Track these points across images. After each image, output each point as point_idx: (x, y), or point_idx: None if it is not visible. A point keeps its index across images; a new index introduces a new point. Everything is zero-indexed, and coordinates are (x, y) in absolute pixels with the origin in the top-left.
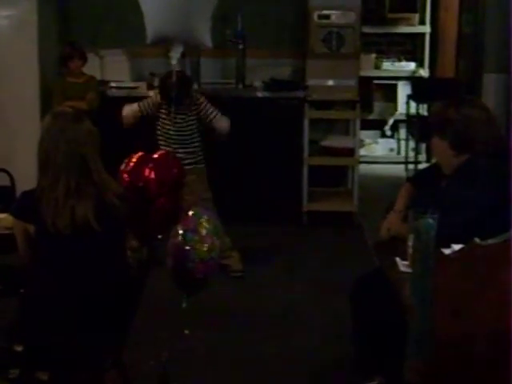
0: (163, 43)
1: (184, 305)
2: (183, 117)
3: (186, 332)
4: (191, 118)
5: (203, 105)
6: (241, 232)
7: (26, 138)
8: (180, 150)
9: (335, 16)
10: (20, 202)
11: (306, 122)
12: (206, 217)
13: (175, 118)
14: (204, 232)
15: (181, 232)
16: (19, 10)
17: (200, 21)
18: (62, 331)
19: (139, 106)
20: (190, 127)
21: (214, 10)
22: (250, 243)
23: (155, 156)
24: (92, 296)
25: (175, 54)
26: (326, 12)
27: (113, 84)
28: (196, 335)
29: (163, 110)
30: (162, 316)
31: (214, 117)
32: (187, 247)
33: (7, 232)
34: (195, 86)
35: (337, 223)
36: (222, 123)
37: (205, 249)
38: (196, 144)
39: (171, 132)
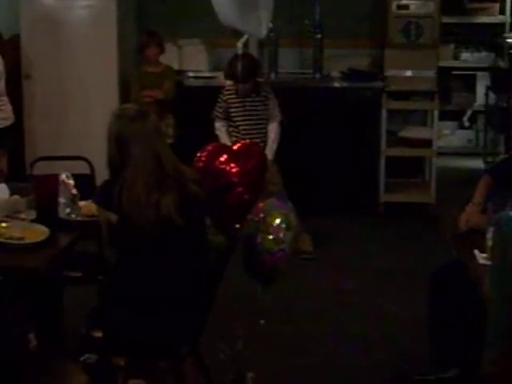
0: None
1: (259, 295)
2: (251, 100)
3: (262, 322)
4: (259, 105)
5: (272, 102)
6: (317, 222)
7: (105, 126)
8: (250, 137)
9: (414, 6)
10: (103, 191)
11: (384, 113)
12: (278, 208)
13: (244, 102)
14: (274, 223)
15: (250, 222)
16: (99, 0)
17: (254, 11)
18: (141, 319)
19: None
20: (257, 112)
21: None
22: (326, 233)
23: (233, 146)
24: (170, 284)
25: (240, 44)
26: (404, 2)
27: (190, 74)
28: (271, 325)
29: (232, 99)
30: (238, 305)
31: (273, 121)
32: (255, 237)
33: (87, 219)
34: (272, 75)
35: (413, 214)
36: (274, 131)
37: (272, 240)
38: (264, 131)
39: (240, 118)
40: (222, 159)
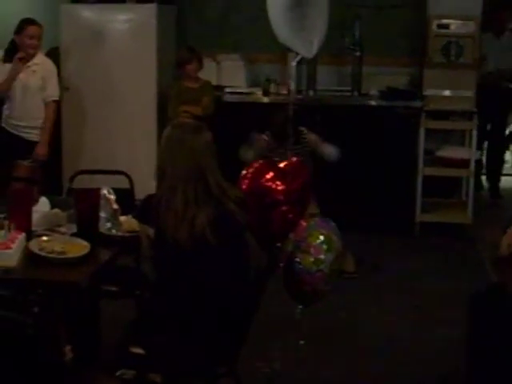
0: None
1: (298, 316)
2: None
3: (301, 343)
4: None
5: (310, 141)
6: (354, 241)
7: (144, 141)
8: None
9: (455, 25)
10: (143, 206)
11: (422, 132)
12: (320, 228)
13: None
14: (314, 244)
15: (291, 241)
16: (139, 14)
17: (305, 31)
18: (179, 336)
19: None
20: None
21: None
22: (363, 252)
23: (280, 164)
24: (209, 303)
25: (293, 62)
26: (445, 21)
27: (228, 89)
28: (310, 346)
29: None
30: (278, 325)
31: (320, 145)
32: (294, 257)
33: (127, 235)
34: (311, 93)
35: (450, 235)
36: (329, 149)
37: (312, 260)
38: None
39: None
40: (268, 177)
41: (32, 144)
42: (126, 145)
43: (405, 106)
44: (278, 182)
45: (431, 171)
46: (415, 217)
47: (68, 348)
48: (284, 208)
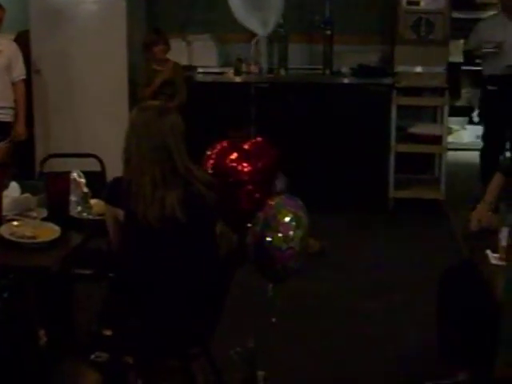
0: None
1: (270, 293)
2: None
3: (273, 320)
4: None
5: None
6: (326, 218)
7: (115, 123)
8: None
9: (425, 1)
10: (111, 188)
11: (394, 109)
12: (288, 206)
13: None
14: (283, 221)
15: (259, 220)
16: None
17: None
18: (151, 317)
19: None
20: None
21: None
22: (335, 229)
23: (245, 144)
24: (181, 284)
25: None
26: None
27: (200, 69)
28: (283, 324)
29: None
30: (250, 304)
31: None
32: (264, 235)
33: (98, 218)
34: (282, 71)
35: (423, 211)
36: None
37: (282, 238)
38: None
39: None
40: (233, 157)
41: (4, 124)
42: (98, 128)
43: (376, 83)
44: (243, 163)
45: (404, 148)
46: (389, 193)
47: (42, 332)
48: (250, 187)
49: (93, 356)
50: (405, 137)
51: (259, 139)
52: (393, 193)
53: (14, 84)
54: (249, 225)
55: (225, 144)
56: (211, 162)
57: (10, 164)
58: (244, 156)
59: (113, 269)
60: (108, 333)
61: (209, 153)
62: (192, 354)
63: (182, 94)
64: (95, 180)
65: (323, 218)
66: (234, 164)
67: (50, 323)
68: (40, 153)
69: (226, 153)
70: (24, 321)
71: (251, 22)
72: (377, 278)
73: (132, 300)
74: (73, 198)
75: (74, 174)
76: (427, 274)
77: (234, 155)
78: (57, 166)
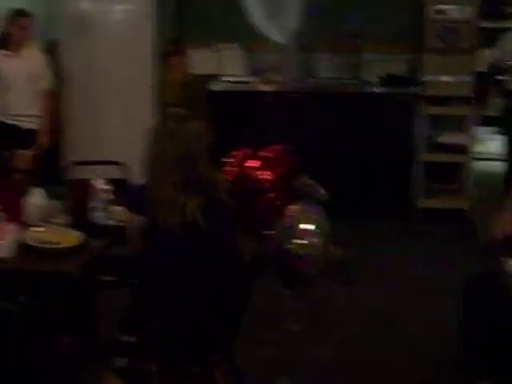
0: None
1: (290, 300)
2: None
3: (294, 327)
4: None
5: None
6: (354, 227)
7: (140, 132)
8: None
9: (451, 11)
10: (133, 195)
11: (422, 118)
12: (308, 213)
13: None
14: (303, 228)
15: (280, 226)
16: (136, 4)
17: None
18: (172, 323)
19: None
20: None
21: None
22: (361, 238)
23: (265, 152)
24: (203, 291)
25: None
26: (442, 6)
27: (227, 78)
28: (302, 333)
29: None
30: (270, 313)
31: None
32: (284, 242)
33: (121, 224)
34: (310, 80)
35: (449, 220)
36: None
37: (301, 244)
38: None
39: None
40: (253, 165)
41: (29, 132)
42: (123, 135)
43: (404, 92)
44: (262, 171)
45: (431, 157)
46: (416, 203)
47: (65, 338)
48: (270, 195)
49: (115, 362)
50: (433, 146)
51: (278, 147)
52: (419, 202)
53: (40, 93)
54: (269, 232)
55: (245, 151)
56: (232, 169)
57: (35, 171)
58: (264, 164)
59: (135, 275)
60: (130, 339)
61: (229, 160)
62: (213, 361)
63: (203, 108)
64: (119, 187)
65: (350, 227)
66: (255, 172)
67: (73, 329)
68: (67, 160)
69: (246, 160)
70: (48, 326)
71: (271, 30)
72: (402, 286)
73: (154, 306)
74: (96, 205)
75: (97, 181)
76: (453, 283)
77: (254, 163)
78: (83, 173)
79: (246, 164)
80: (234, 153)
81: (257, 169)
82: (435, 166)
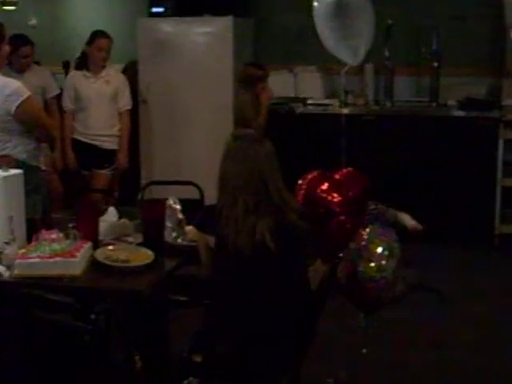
0: None
1: (362, 324)
2: None
3: (364, 351)
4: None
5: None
6: (431, 251)
7: (218, 153)
8: None
9: None
10: (204, 215)
11: (501, 143)
12: (380, 236)
13: None
14: (376, 251)
15: (352, 250)
16: (215, 27)
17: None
18: (242, 345)
19: None
20: None
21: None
22: (439, 263)
23: (336, 174)
24: (272, 312)
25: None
26: None
27: (307, 101)
28: (374, 355)
29: None
30: (341, 335)
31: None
32: (357, 265)
33: (193, 244)
34: (388, 104)
35: None
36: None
37: (375, 267)
38: None
39: None
40: (324, 187)
41: (108, 152)
42: (200, 157)
43: (483, 116)
44: (333, 193)
45: (510, 182)
46: (494, 228)
47: (137, 357)
48: (341, 218)
49: (185, 382)
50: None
51: (350, 169)
52: (499, 228)
53: (120, 113)
54: (341, 255)
55: (316, 174)
56: (302, 192)
57: (113, 191)
58: (335, 186)
59: (207, 296)
60: (198, 359)
61: (300, 182)
62: (281, 383)
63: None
64: (194, 207)
65: (427, 251)
66: (325, 194)
67: (145, 348)
68: (145, 180)
69: (317, 183)
70: (120, 345)
71: (341, 52)
72: (477, 312)
73: (222, 326)
74: (168, 224)
75: (170, 201)
76: None
77: (325, 185)
78: (159, 192)
79: (316, 186)
80: (306, 175)
81: (327, 191)
82: None
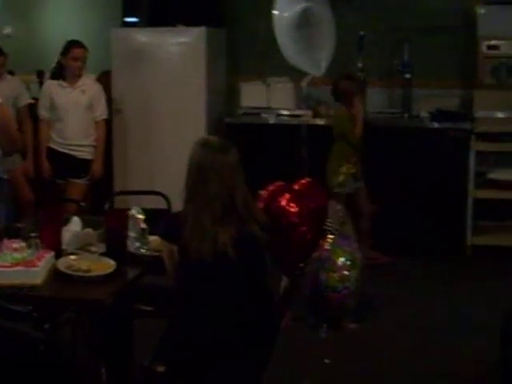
0: None
1: (323, 335)
2: None
3: (327, 361)
4: None
5: None
6: (402, 262)
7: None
8: None
9: (505, 46)
10: (167, 224)
11: (473, 154)
12: (342, 247)
13: None
14: (338, 262)
15: (313, 260)
16: (188, 37)
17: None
18: (203, 355)
19: None
20: None
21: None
22: (410, 274)
23: (295, 186)
24: (233, 322)
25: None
26: (495, 42)
27: (277, 111)
28: (337, 365)
29: None
30: (303, 345)
31: None
32: (319, 275)
33: (157, 254)
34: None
35: (502, 258)
36: None
37: (337, 278)
38: None
39: None
40: (283, 199)
41: (84, 162)
42: (176, 166)
43: (455, 128)
44: (293, 204)
45: (482, 194)
46: (466, 240)
47: (103, 369)
48: (303, 229)
49: None
50: (484, 183)
51: (309, 180)
52: (471, 239)
53: (95, 123)
54: (302, 265)
55: (276, 185)
56: (262, 203)
57: (86, 200)
58: (295, 197)
59: (172, 305)
60: (160, 369)
61: (261, 193)
62: None
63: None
64: (161, 217)
65: (398, 263)
66: (285, 205)
67: (109, 358)
68: (118, 189)
69: (276, 194)
70: (85, 357)
71: (303, 63)
72: (450, 323)
73: (182, 336)
74: (131, 234)
75: (133, 211)
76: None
77: (286, 197)
78: (133, 201)
79: (276, 198)
80: (267, 186)
81: (286, 202)
82: (486, 202)
